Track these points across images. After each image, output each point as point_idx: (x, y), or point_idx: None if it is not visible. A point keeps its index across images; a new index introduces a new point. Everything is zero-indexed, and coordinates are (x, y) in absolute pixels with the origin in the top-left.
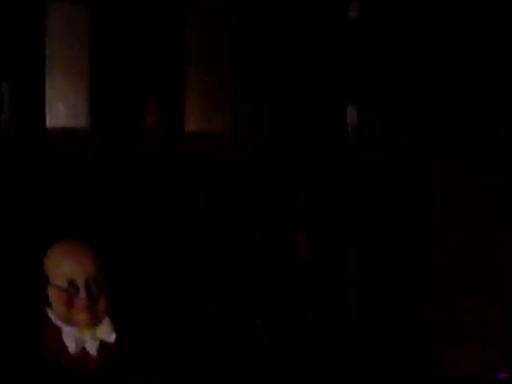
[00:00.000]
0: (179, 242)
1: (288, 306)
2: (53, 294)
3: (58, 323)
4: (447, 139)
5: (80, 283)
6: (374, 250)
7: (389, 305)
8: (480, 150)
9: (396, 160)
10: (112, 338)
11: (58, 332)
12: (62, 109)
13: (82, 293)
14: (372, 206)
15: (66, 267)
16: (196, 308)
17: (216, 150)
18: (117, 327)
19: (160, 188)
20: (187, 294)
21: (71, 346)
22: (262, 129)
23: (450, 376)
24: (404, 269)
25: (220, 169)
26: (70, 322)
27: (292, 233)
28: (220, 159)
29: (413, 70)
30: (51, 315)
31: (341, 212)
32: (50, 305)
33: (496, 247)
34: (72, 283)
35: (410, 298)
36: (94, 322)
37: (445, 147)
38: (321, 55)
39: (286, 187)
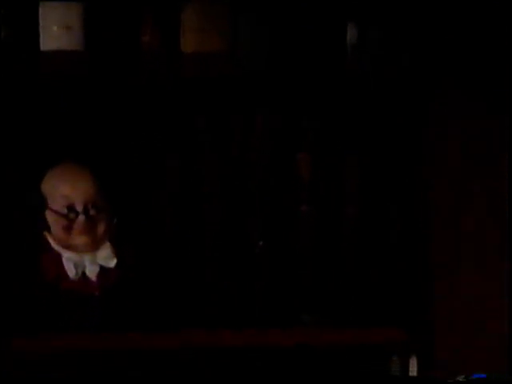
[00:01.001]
0: (180, 163)
1: (289, 227)
2: (51, 219)
3: (58, 248)
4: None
5: (79, 207)
6: (373, 166)
7: (389, 222)
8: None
9: (394, 77)
10: (112, 263)
11: (57, 257)
12: (56, 31)
13: (81, 216)
14: (372, 124)
15: (64, 190)
16: (197, 230)
17: (214, 69)
18: (118, 252)
19: (158, 109)
20: (188, 218)
21: (71, 271)
22: (260, 48)
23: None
24: (403, 186)
25: (219, 88)
26: (69, 246)
27: (293, 153)
28: (219, 79)
29: None
30: (50, 240)
31: (341, 130)
32: (48, 229)
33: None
34: (71, 207)
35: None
36: (94, 245)
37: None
38: None
39: (286, 106)
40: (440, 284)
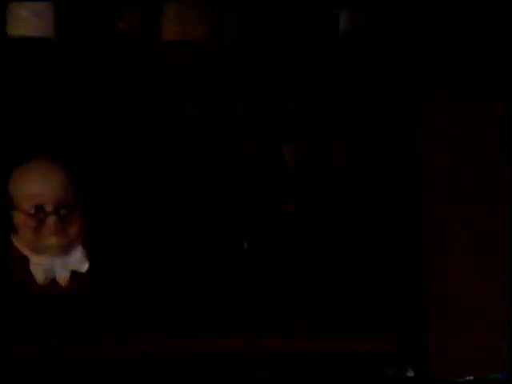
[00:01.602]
0: (166, 151)
1: (274, 221)
2: (19, 220)
3: (25, 252)
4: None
5: (48, 206)
6: (362, 152)
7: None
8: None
9: (386, 62)
10: (84, 267)
11: (25, 261)
12: (26, 15)
13: (51, 216)
14: (362, 109)
15: (32, 189)
16: (177, 233)
17: (198, 55)
18: (89, 255)
19: (135, 99)
20: (166, 218)
21: (39, 277)
22: (244, 32)
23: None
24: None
25: (203, 75)
26: (38, 249)
27: (280, 143)
28: (202, 65)
29: None
30: (17, 243)
31: (330, 118)
32: (16, 231)
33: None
34: (40, 207)
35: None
36: (65, 248)
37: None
38: None
39: (274, 93)
40: (434, 284)
